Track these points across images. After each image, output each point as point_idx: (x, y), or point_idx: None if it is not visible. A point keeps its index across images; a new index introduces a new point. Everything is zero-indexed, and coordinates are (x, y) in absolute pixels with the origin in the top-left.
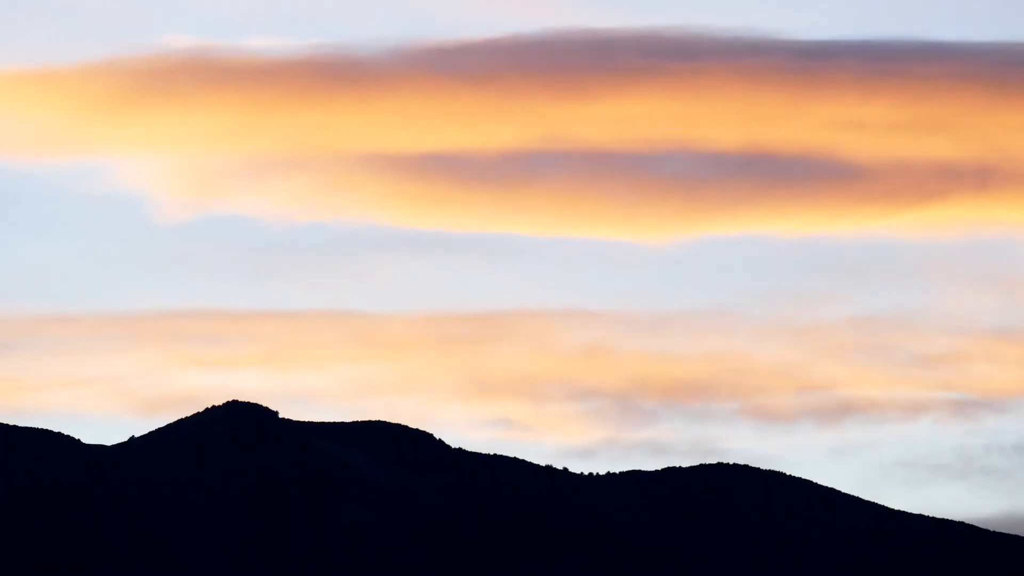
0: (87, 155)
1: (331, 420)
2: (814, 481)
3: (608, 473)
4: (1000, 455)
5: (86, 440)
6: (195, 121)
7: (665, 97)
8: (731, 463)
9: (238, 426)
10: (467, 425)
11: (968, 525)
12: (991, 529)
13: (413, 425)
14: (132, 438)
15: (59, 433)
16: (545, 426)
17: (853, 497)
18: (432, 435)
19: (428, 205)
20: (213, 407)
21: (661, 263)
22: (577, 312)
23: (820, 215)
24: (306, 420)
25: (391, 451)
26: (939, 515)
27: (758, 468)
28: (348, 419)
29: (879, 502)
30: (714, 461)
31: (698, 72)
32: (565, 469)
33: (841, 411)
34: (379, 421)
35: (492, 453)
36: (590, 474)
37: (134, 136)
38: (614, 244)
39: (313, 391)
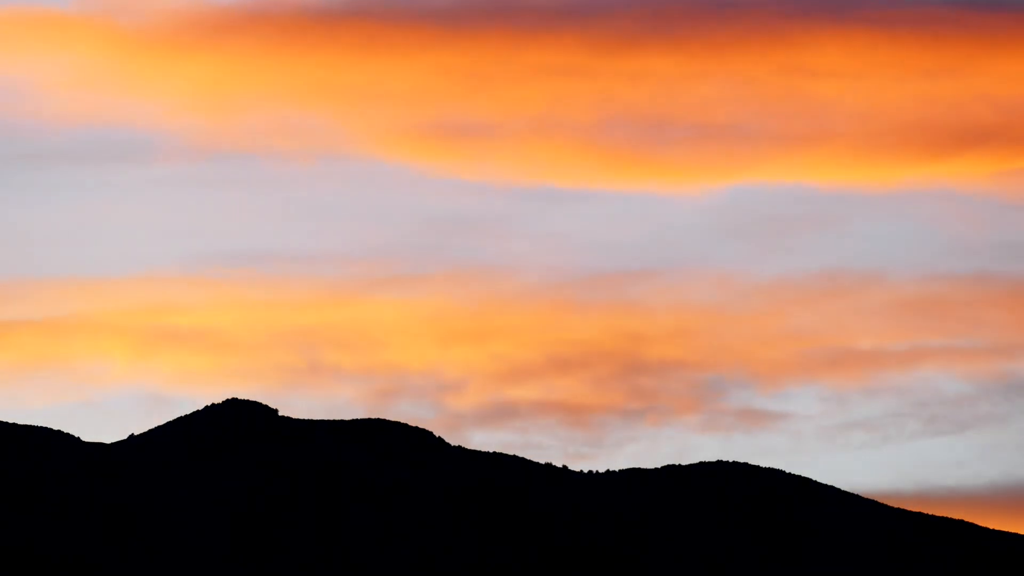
0: (93, 109)
1: (331, 419)
2: (813, 479)
3: (608, 472)
4: (1000, 400)
5: (85, 438)
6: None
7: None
8: (730, 461)
9: (237, 424)
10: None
11: (968, 524)
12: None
13: (412, 420)
14: (132, 436)
15: (58, 431)
16: (537, 381)
17: (854, 496)
18: (432, 433)
19: (445, 150)
20: (212, 405)
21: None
22: (565, 268)
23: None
24: (306, 418)
25: (391, 450)
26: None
27: (757, 466)
28: (347, 417)
29: (879, 492)
30: (714, 460)
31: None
32: (565, 467)
33: (838, 361)
34: (379, 420)
35: (492, 452)
36: (590, 472)
37: (141, 86)
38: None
39: (297, 345)
